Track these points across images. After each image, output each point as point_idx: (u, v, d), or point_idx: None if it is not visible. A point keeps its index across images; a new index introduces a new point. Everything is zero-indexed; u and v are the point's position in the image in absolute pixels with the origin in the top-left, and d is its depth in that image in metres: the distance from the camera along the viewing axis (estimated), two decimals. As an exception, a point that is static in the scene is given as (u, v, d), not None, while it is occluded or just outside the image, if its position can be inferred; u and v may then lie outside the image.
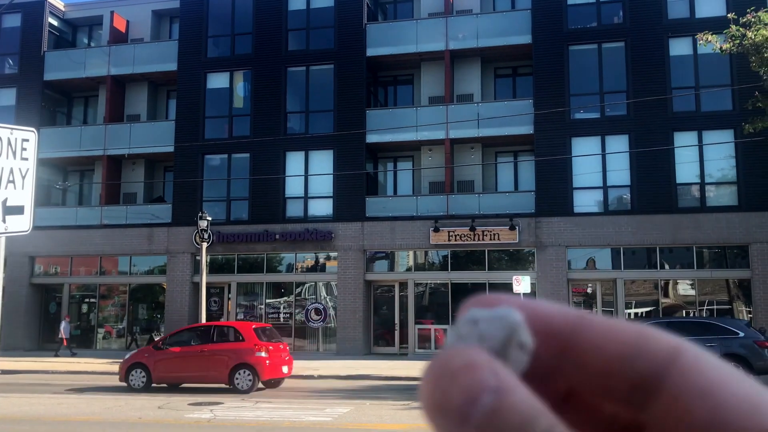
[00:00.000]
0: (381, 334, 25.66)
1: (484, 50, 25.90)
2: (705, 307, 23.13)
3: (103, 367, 21.41)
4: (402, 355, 24.35)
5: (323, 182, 25.87)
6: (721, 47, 18.33)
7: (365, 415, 12.22)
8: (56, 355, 24.85)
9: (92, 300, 28.02)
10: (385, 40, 26.32)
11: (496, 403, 0.33)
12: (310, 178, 26.03)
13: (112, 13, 29.35)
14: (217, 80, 27.46)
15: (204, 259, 21.81)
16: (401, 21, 27.28)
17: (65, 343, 25.24)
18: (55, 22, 30.34)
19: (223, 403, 13.72)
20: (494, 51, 25.90)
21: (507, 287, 23.25)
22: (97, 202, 28.61)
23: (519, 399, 0.33)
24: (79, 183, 30.22)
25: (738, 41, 18.04)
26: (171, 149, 27.17)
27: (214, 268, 26.03)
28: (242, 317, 26.36)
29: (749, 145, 22.24)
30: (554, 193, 23.90)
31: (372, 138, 25.71)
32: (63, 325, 25.61)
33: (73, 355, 24.88)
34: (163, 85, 29.58)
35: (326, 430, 10.66)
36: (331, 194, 25.72)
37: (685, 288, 23.74)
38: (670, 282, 23.83)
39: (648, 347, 0.37)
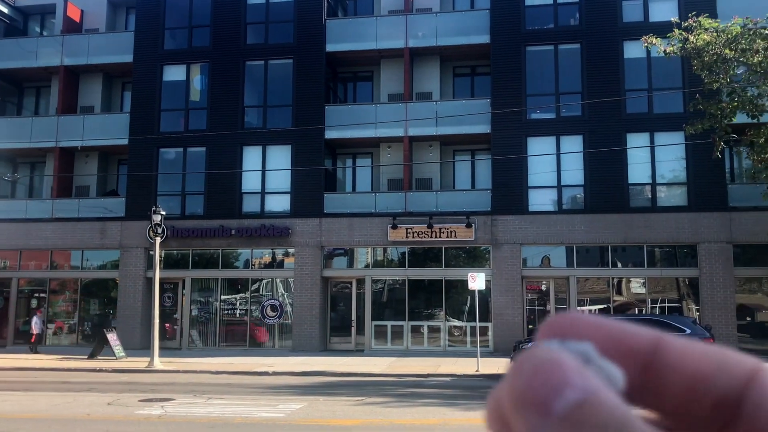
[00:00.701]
0: (338, 330, 25.63)
1: (443, 49, 26.05)
2: (662, 305, 23.67)
3: (52, 363, 20.96)
4: (359, 352, 24.38)
5: (281, 178, 25.72)
6: (665, 50, 18.81)
7: (318, 411, 12.21)
8: (31, 351, 23.96)
9: (42, 295, 27.38)
10: (344, 36, 26.28)
11: (580, 399, 0.32)
12: (268, 173, 25.84)
13: (65, 1, 28.66)
14: (174, 73, 27.06)
15: (158, 254, 21.49)
16: (361, 17, 27.27)
17: (33, 339, 24.37)
18: (5, 10, 29.53)
19: (174, 399, 13.56)
20: (453, 50, 26.06)
21: (463, 284, 23.46)
22: (48, 195, 27.95)
23: (608, 398, 0.33)
24: (29, 175, 29.50)
25: (681, 45, 18.52)
26: (125, 142, 26.71)
27: (169, 263, 25.68)
28: (196, 314, 26.09)
29: (698, 147, 22.81)
30: (510, 191, 24.18)
31: (331, 134, 25.65)
32: (34, 320, 24.75)
33: (35, 352, 24.01)
34: (118, 76, 29.03)
35: (278, 426, 10.62)
36: (289, 190, 25.58)
37: (636, 286, 24.26)
38: (623, 280, 24.31)
39: (728, 365, 0.37)
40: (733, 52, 17.83)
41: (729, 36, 17.75)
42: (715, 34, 17.91)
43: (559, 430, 0.32)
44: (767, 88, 18.01)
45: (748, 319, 23.11)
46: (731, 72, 18.29)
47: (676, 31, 18.52)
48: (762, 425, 0.35)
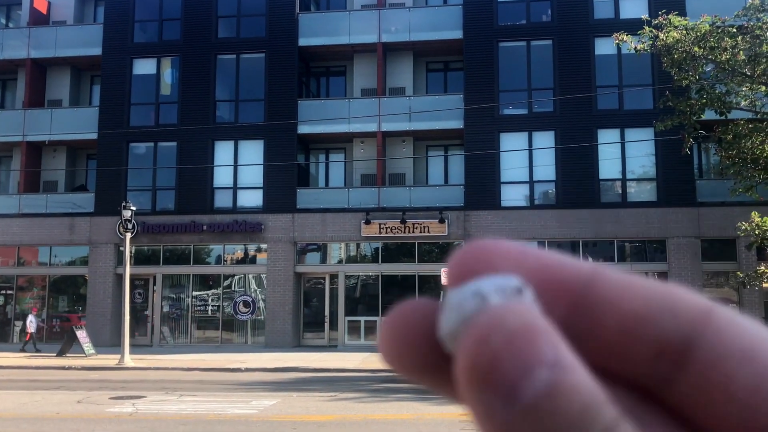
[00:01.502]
0: (311, 326, 25.56)
1: (416, 44, 26.06)
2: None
3: (19, 361, 20.61)
4: (332, 347, 24.35)
5: (253, 173, 25.54)
6: (635, 47, 19.02)
7: (291, 407, 12.17)
8: (22, 350, 23.01)
9: (9, 292, 26.89)
10: (317, 31, 26.15)
11: (553, 382, 0.27)
12: (240, 168, 25.65)
13: (32, -8, 28.14)
14: (144, 66, 26.71)
15: (128, 250, 21.21)
16: (334, 12, 27.16)
17: (28, 338, 23.45)
18: (-30, 1, 28.89)
19: (145, 397, 13.42)
20: (426, 45, 26.09)
21: (436, 279, 23.54)
22: (15, 190, 27.40)
23: (579, 381, 0.27)
24: (-5, 170, 28.93)
25: (651, 42, 18.77)
26: (94, 136, 26.31)
27: (139, 259, 25.38)
28: (168, 310, 25.84)
29: (667, 143, 23.13)
30: (483, 187, 24.30)
31: (303, 129, 25.52)
32: (30, 318, 23.78)
33: (37, 351, 23.03)
34: (86, 70, 28.56)
35: (252, 422, 10.56)
36: (261, 185, 25.41)
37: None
38: (593, 275, 24.55)
39: (675, 305, 0.31)
40: (702, 50, 18.10)
41: (698, 34, 18.01)
42: (684, 31, 18.16)
43: (524, 419, 0.26)
44: (734, 86, 18.32)
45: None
46: (700, 69, 18.57)
47: (647, 28, 18.75)
48: (719, 375, 0.29)
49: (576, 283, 0.32)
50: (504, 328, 0.27)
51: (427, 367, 0.30)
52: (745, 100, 18.82)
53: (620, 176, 24.18)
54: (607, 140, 24.11)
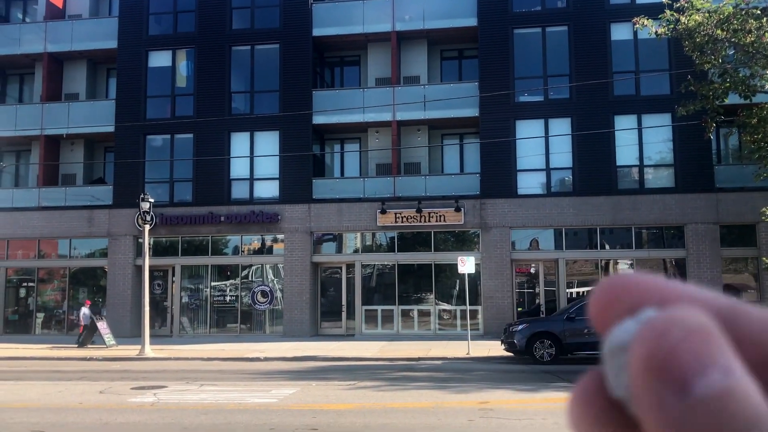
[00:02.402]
0: (328, 315, 25.68)
1: (431, 32, 25.95)
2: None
3: (42, 352, 20.90)
4: (349, 336, 24.46)
5: (269, 163, 25.63)
6: (656, 31, 18.72)
7: (311, 395, 12.26)
8: (77, 343, 22.69)
9: (30, 284, 27.24)
10: (331, 20, 26.11)
11: (725, 386, 0.28)
12: (256, 159, 25.75)
13: (48, -13, 28.32)
14: (159, 59, 26.83)
15: (147, 241, 21.39)
16: (347, 1, 27.03)
17: (81, 330, 23.33)
18: (-14, -4, 29.12)
19: (166, 387, 13.57)
20: (440, 33, 25.97)
21: (452, 268, 23.53)
22: (34, 184, 27.71)
23: (748, 391, 0.28)
24: (15, 164, 29.23)
25: (672, 26, 18.45)
26: (111, 129, 26.50)
27: (158, 250, 25.60)
28: (186, 301, 26.06)
29: (685, 128, 22.91)
30: (499, 175, 24.22)
31: (318, 119, 25.55)
32: (83, 310, 23.61)
33: (92, 343, 22.77)
34: (102, 63, 28.75)
35: (271, 411, 10.66)
36: (278, 176, 25.50)
37: (624, 267, 24.43)
38: (610, 261, 24.47)
39: None
40: (725, 33, 17.77)
41: (721, 16, 17.66)
42: (707, 14, 17.82)
43: (692, 414, 0.28)
44: (759, 69, 17.96)
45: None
46: (723, 53, 18.23)
47: (668, 12, 18.45)
48: None
49: (719, 319, 0.32)
50: (683, 325, 0.29)
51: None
52: None
53: (637, 162, 24.01)
54: (624, 126, 23.93)
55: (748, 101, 18.77)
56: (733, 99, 19.34)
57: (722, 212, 23.17)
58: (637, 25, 18.92)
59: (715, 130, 23.48)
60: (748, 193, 23.10)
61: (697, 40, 18.06)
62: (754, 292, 23.69)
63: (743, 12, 17.58)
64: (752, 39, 17.45)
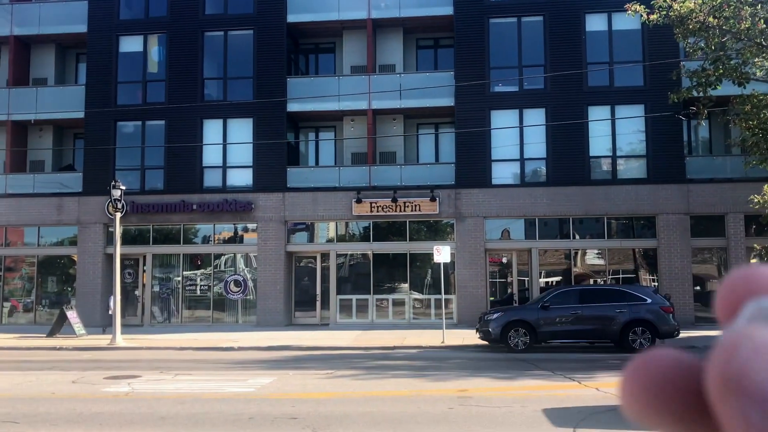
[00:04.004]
0: (302, 305, 25.56)
1: (406, 20, 25.84)
2: (618, 276, 24.15)
3: (10, 342, 20.49)
4: (324, 326, 24.39)
5: (242, 151, 25.36)
6: (648, 17, 18.71)
7: (289, 385, 12.19)
8: (103, 332, 22.48)
9: (-3, 273, 26.66)
10: (306, 7, 25.84)
11: None
12: (229, 146, 25.46)
13: (14, -32, 27.55)
14: (131, 44, 26.33)
15: (118, 229, 21.04)
16: (323, -12, 26.79)
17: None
18: (-50, -23, 28.23)
19: (141, 377, 13.39)
20: (416, 21, 25.88)
21: (427, 257, 23.59)
22: (1, 170, 27.05)
23: None
24: (-20, 150, 28.49)
25: (665, 12, 18.50)
26: (81, 115, 25.98)
27: (128, 239, 25.21)
28: (158, 290, 25.74)
29: (658, 120, 23.20)
30: (474, 165, 24.28)
31: (293, 107, 25.33)
32: (111, 299, 22.91)
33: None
34: (72, 47, 28.13)
35: (250, 400, 10.56)
36: (251, 164, 25.26)
37: (594, 257, 24.69)
38: (579, 252, 24.69)
39: None
40: (717, 20, 17.88)
41: (714, 3, 17.74)
42: (699, 1, 17.89)
43: None
44: (750, 57, 18.08)
45: (698, 288, 23.77)
46: (715, 40, 18.33)
47: None
48: None
49: None
50: (754, 341, 0.29)
51: (686, 416, 0.32)
52: (760, 71, 18.62)
53: (610, 153, 24.24)
54: (598, 117, 24.12)
55: (743, 89, 18.91)
56: (725, 88, 19.42)
57: (693, 203, 23.52)
58: (630, 12, 18.91)
59: (686, 122, 23.83)
60: (718, 185, 23.51)
61: (690, 27, 18.15)
62: (717, 282, 24.14)
63: (736, 0, 17.66)
64: (747, 26, 17.54)
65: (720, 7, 17.59)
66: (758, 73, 18.55)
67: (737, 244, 23.29)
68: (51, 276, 26.72)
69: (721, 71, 18.37)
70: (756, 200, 18.78)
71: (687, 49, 19.38)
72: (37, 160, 27.46)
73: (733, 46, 18.44)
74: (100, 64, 26.06)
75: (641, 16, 18.89)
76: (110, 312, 22.74)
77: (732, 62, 18.44)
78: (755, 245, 20.03)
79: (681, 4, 17.89)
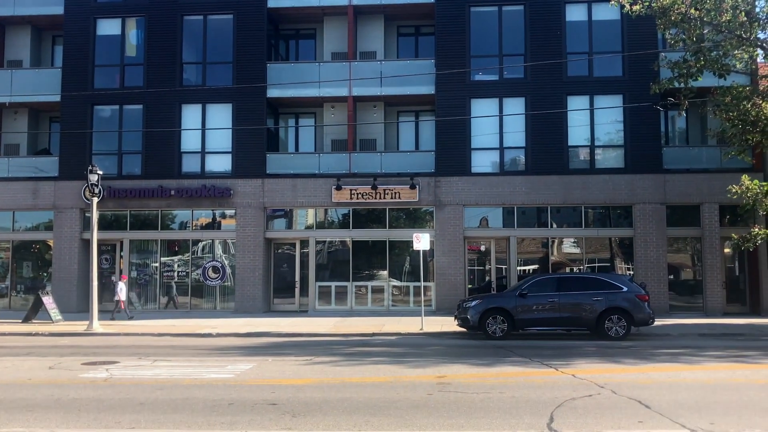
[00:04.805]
0: (281, 291, 25.53)
1: (387, 7, 25.75)
2: (594, 264, 24.41)
3: (-16, 328, 20.24)
4: (302, 313, 24.41)
5: (222, 137, 25.19)
6: (631, 8, 18.83)
7: (268, 371, 12.20)
8: (112, 319, 22.17)
9: (-30, 258, 26.28)
10: (286, -8, 25.63)
11: None
12: (208, 132, 25.27)
13: (-12, -53, 26.97)
14: (108, 27, 25.96)
15: (95, 214, 20.82)
16: (304, -27, 26.59)
17: (122, 306, 22.59)
18: None
19: (119, 363, 13.33)
20: (397, 9, 25.80)
21: (406, 245, 23.67)
22: (-26, 154, 26.63)
23: None
24: (-48, 132, 28.01)
25: (647, 3, 18.62)
26: (57, 98, 25.63)
27: (105, 224, 24.98)
28: (135, 276, 25.55)
29: (636, 110, 23.41)
30: (453, 153, 24.35)
31: (273, 92, 25.18)
32: (120, 285, 22.78)
33: (130, 318, 22.34)
34: (48, 29, 27.67)
35: (229, 386, 10.57)
36: (230, 150, 25.11)
37: (571, 246, 24.93)
38: (556, 240, 24.90)
39: None
40: (699, 12, 18.04)
41: None
42: None
43: None
44: (731, 49, 18.25)
45: (671, 277, 24.11)
46: (696, 32, 18.48)
47: None
48: None
49: None
50: None
51: None
52: (740, 63, 18.78)
53: (589, 143, 24.43)
54: (577, 107, 24.28)
55: (723, 80, 19.10)
56: (705, 80, 19.57)
57: (669, 193, 23.82)
58: (613, 3, 19.00)
59: (663, 113, 24.08)
60: (694, 175, 23.83)
61: (672, 18, 18.28)
62: (691, 271, 24.51)
63: None
64: (728, 18, 17.71)
65: None
66: (738, 65, 18.76)
67: (712, 234, 23.64)
68: (26, 261, 26.41)
69: (703, 63, 18.56)
70: (734, 190, 19.07)
71: (669, 41, 19.55)
72: (11, 143, 27.06)
73: (713, 37, 18.62)
74: (76, 47, 25.69)
75: (623, 6, 19.00)
76: (116, 298, 22.67)
77: (713, 54, 18.62)
78: (732, 234, 20.36)
79: None
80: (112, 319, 22.34)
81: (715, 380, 10.97)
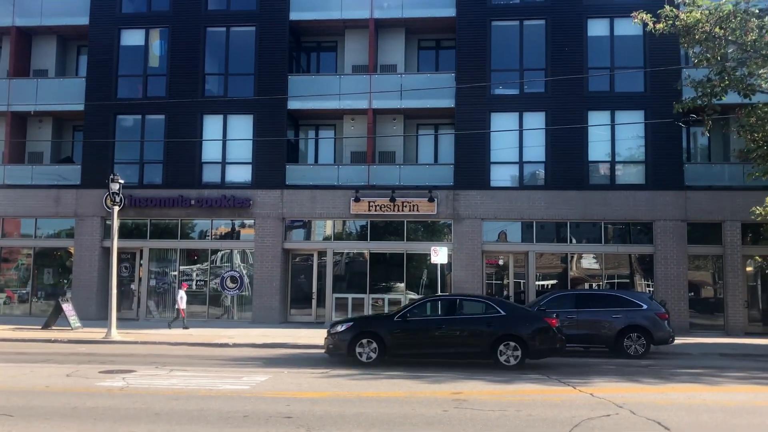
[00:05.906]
0: (298, 302, 25.55)
1: (409, 21, 25.85)
2: (614, 281, 24.18)
3: (5, 333, 20.46)
4: (319, 324, 24.40)
5: (242, 147, 25.36)
6: (654, 26, 18.65)
7: (283, 383, 12.19)
8: (169, 327, 22.29)
9: (-7, 263, 26.63)
10: (309, 5, 25.86)
11: None
12: (229, 142, 25.45)
13: (17, -41, 27.46)
14: (132, 37, 26.30)
15: (115, 223, 21.01)
16: (326, -14, 26.76)
17: (183, 314, 22.57)
18: (-48, -34, 28.14)
19: (135, 371, 13.38)
20: (418, 22, 25.89)
21: (424, 258, 23.63)
22: (0, 161, 27.02)
23: None
24: (-22, 140, 28.42)
25: (671, 22, 18.44)
26: (81, 108, 25.97)
27: (125, 232, 25.18)
28: (154, 284, 25.72)
29: (657, 126, 23.23)
30: (472, 166, 24.31)
31: (294, 104, 25.33)
32: (180, 294, 22.84)
33: (185, 328, 22.16)
34: (73, 39, 28.10)
35: (244, 398, 10.57)
36: (250, 160, 25.26)
37: (591, 262, 24.73)
38: (575, 256, 24.72)
39: None
40: (723, 31, 17.81)
41: (720, 14, 17.69)
42: (706, 12, 17.83)
43: None
44: (756, 68, 17.98)
45: (692, 294, 23.80)
46: (721, 51, 18.26)
47: (667, 7, 18.44)
48: None
49: None
50: None
51: None
52: (765, 83, 18.54)
53: (609, 158, 24.27)
54: (598, 122, 24.15)
55: (748, 100, 18.82)
56: (729, 97, 19.33)
57: (690, 210, 23.58)
58: (636, 21, 18.83)
59: (685, 129, 23.87)
60: (716, 192, 23.57)
61: (696, 37, 18.08)
62: (711, 289, 24.19)
63: (743, 11, 17.59)
64: (753, 37, 17.46)
65: (727, 18, 17.52)
66: (764, 85, 18.52)
67: (733, 252, 23.35)
68: (47, 268, 26.69)
69: (727, 82, 18.29)
70: (758, 212, 18.82)
71: (693, 59, 19.32)
72: (35, 151, 27.42)
73: (737, 56, 18.35)
74: (101, 57, 26.04)
75: (647, 24, 18.83)
76: (176, 306, 22.70)
77: (737, 73, 18.34)
78: (756, 257, 20.04)
79: (688, 14, 17.83)
80: (169, 327, 22.32)
81: (736, 402, 10.78)
